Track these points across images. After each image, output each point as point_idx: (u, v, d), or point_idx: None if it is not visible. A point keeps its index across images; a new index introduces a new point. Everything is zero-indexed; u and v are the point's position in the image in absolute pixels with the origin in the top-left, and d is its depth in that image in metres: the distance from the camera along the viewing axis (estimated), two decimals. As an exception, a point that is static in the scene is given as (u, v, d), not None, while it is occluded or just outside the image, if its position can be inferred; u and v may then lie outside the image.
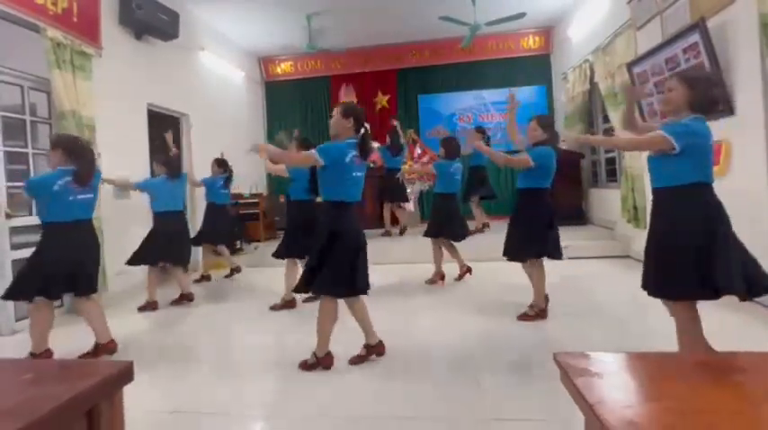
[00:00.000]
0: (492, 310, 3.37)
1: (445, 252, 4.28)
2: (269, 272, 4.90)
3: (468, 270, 4.33)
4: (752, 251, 1.95)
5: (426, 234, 4.26)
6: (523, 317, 3.12)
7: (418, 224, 6.64)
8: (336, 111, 2.43)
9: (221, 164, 4.91)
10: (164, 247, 3.84)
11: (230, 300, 4.29)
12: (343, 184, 2.36)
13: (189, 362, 2.77)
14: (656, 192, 2.09)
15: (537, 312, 3.12)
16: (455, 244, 4.24)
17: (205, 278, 4.99)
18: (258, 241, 6.44)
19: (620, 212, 5.01)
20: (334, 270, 2.32)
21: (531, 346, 2.66)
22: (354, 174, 2.37)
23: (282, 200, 7.72)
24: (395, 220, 6.24)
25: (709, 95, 2.03)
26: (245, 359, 2.84)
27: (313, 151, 2.29)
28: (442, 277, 4.28)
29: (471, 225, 4.93)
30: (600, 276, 4.39)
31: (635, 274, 2.36)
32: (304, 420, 1.99)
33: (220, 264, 5.18)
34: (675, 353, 1.80)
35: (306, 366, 2.46)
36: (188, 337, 3.33)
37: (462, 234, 4.17)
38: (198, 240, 4.81)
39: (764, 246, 2.87)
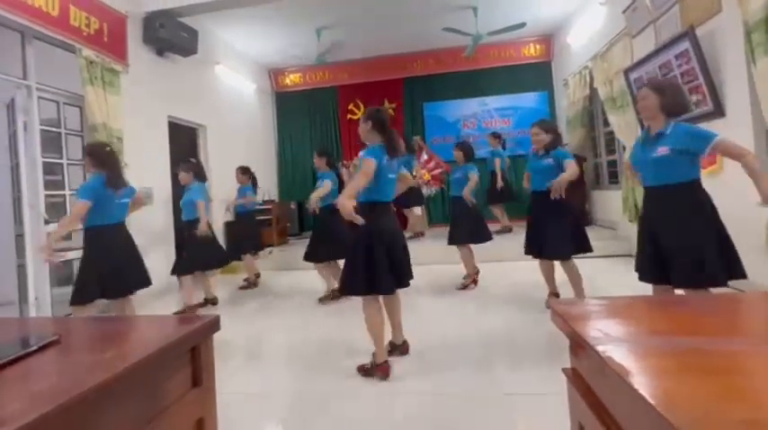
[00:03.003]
0: (504, 308, 3.60)
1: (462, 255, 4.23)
2: (294, 274, 5.26)
3: (474, 281, 4.25)
4: (742, 245, 2.14)
5: (453, 242, 4.16)
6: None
7: (426, 228, 6.86)
8: (361, 120, 2.57)
9: (245, 171, 4.96)
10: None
11: (262, 299, 4.48)
12: (377, 186, 2.39)
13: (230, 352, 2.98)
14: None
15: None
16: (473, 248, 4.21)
17: (252, 284, 4.97)
18: (272, 246, 6.68)
19: (622, 212, 5.19)
20: (372, 269, 2.33)
21: (540, 338, 2.85)
22: (389, 175, 2.44)
23: (294, 206, 7.97)
24: (404, 223, 6.46)
25: (678, 99, 2.25)
26: (281, 348, 3.06)
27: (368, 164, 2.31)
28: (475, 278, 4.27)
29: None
30: (604, 274, 4.57)
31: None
32: (341, 395, 2.20)
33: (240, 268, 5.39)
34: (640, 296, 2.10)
35: (364, 370, 2.44)
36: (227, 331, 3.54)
37: (487, 236, 4.19)
38: (240, 250, 4.87)
39: (754, 241, 3.05)
